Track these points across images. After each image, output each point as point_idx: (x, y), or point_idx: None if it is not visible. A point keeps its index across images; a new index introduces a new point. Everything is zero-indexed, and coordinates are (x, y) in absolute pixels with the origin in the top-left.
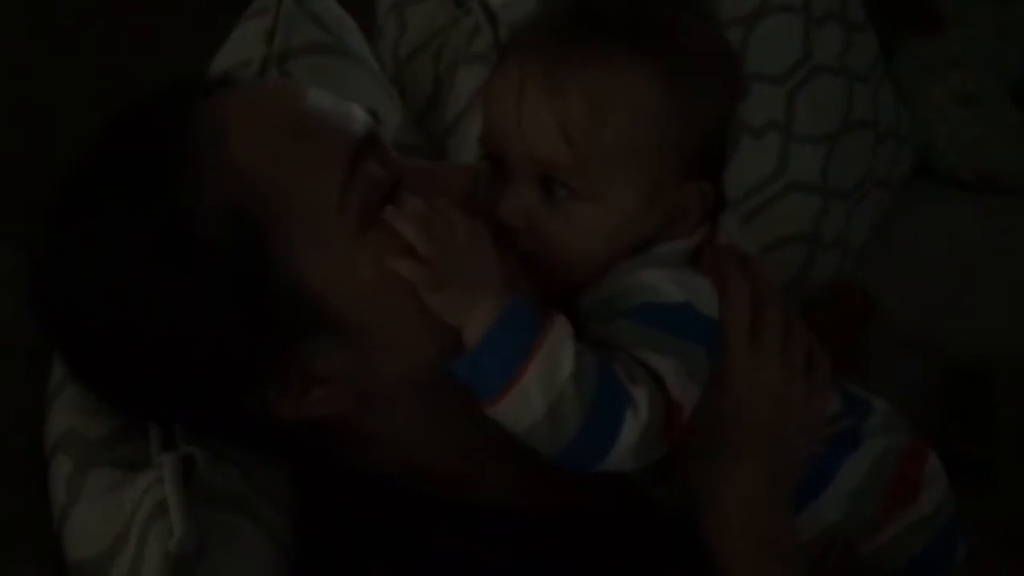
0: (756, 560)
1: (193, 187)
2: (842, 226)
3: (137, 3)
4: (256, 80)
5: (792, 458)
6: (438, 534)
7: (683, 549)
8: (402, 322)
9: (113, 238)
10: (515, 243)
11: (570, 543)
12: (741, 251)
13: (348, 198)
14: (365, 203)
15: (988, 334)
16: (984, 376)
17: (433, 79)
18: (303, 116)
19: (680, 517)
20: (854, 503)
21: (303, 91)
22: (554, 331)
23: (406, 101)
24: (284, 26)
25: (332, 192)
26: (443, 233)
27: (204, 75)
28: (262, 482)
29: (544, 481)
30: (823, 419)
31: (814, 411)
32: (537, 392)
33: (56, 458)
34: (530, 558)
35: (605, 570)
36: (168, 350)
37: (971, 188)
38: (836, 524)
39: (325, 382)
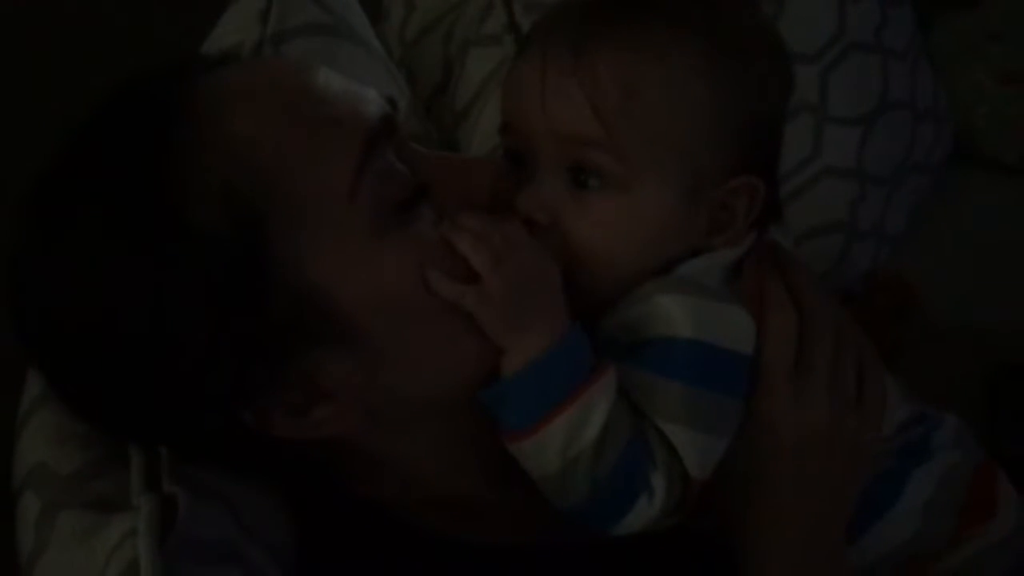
0: None
1: (183, 166)
2: (880, 213)
3: None
4: (262, 58)
5: (846, 488)
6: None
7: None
8: (417, 335)
9: (90, 226)
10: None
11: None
12: (784, 252)
13: (361, 188)
14: (381, 197)
15: None
16: None
17: (442, 63)
18: (311, 94)
19: (715, 541)
20: (927, 518)
21: (312, 69)
22: (597, 385)
23: (414, 86)
24: (279, 6)
25: (342, 179)
26: (505, 251)
27: (204, 54)
28: (255, 524)
29: (555, 517)
30: (880, 444)
31: (869, 434)
32: (556, 449)
33: (24, 496)
34: None
35: None
36: (151, 355)
37: (1014, 171)
38: (909, 542)
39: (330, 398)
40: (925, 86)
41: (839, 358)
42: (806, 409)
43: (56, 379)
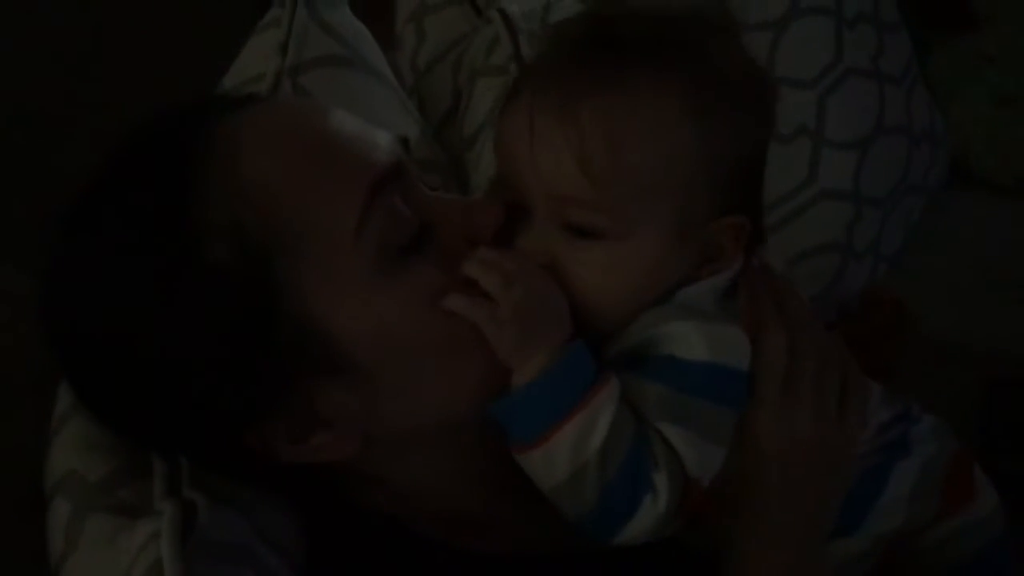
0: None
1: (200, 206)
2: (875, 234)
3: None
4: (281, 99)
5: (828, 500)
6: None
7: None
8: (417, 368)
9: (116, 256)
10: None
11: None
12: (775, 275)
13: (365, 231)
14: (385, 240)
15: None
16: None
17: (452, 91)
18: (323, 139)
19: (708, 558)
20: (912, 504)
21: (326, 112)
22: (601, 395)
23: (425, 113)
24: (297, 38)
25: (347, 222)
26: (515, 275)
27: (227, 93)
28: (268, 528)
29: (556, 528)
30: (863, 441)
31: (849, 449)
32: (565, 457)
33: (55, 500)
34: None
35: None
36: (167, 376)
37: (1010, 193)
38: (897, 529)
39: (329, 426)
40: (922, 110)
41: (823, 376)
42: (790, 423)
43: (83, 392)
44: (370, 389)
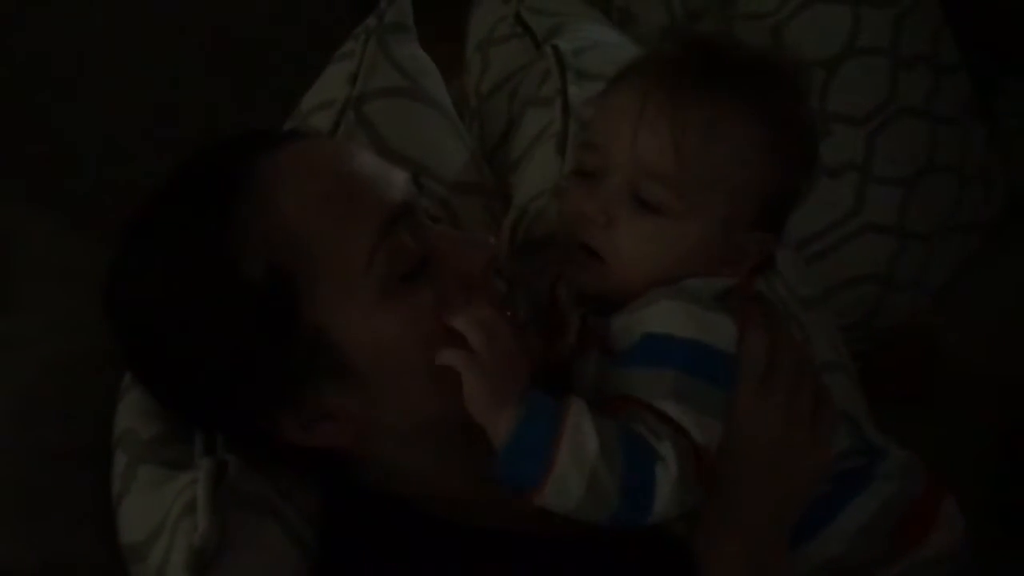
0: None
1: (241, 237)
2: (918, 268)
3: None
4: (314, 139)
5: (792, 499)
6: (447, 554)
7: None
8: (407, 377)
9: (166, 269)
10: (588, 238)
11: (578, 567)
12: (767, 299)
13: (375, 262)
14: (390, 270)
15: None
16: None
17: (507, 117)
18: (347, 181)
19: (683, 542)
20: (859, 540)
21: (351, 155)
22: (572, 414)
23: (483, 136)
24: (366, 70)
25: (361, 255)
26: (497, 337)
27: (271, 130)
28: (289, 489)
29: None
30: (827, 463)
31: (817, 458)
32: (573, 473)
33: (117, 452)
34: None
35: None
36: (200, 368)
37: None
38: (839, 556)
39: (332, 418)
40: (977, 150)
41: (797, 388)
42: (764, 416)
43: (138, 372)
44: (366, 391)
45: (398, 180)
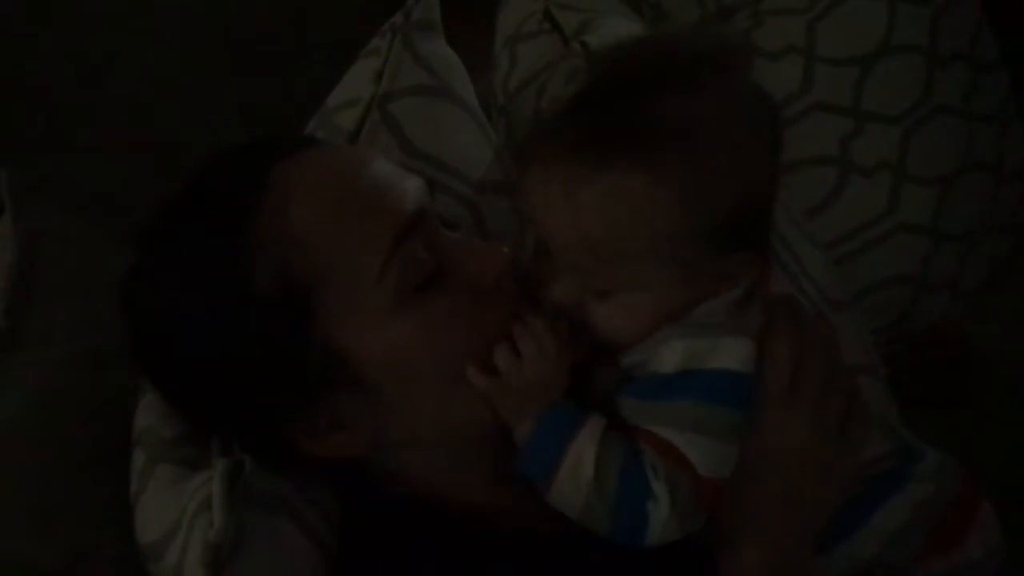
0: None
1: (256, 247)
2: (953, 269)
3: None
4: (328, 147)
5: (820, 506)
6: (464, 555)
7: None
8: (417, 388)
9: (182, 277)
10: (572, 318)
11: (596, 570)
12: (792, 301)
13: (387, 272)
14: (403, 280)
15: None
16: None
17: (534, 114)
18: (361, 190)
19: (704, 547)
20: (893, 541)
21: (366, 163)
22: (579, 439)
23: (511, 132)
24: (392, 67)
25: (374, 265)
26: (531, 354)
27: (286, 136)
28: (307, 489)
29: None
30: (858, 469)
31: (847, 464)
32: (570, 490)
33: (136, 450)
34: None
35: None
36: (214, 378)
37: None
38: (874, 558)
39: (344, 428)
40: (1015, 149)
41: (827, 393)
42: (790, 426)
43: (154, 380)
44: (379, 402)
45: (412, 188)
